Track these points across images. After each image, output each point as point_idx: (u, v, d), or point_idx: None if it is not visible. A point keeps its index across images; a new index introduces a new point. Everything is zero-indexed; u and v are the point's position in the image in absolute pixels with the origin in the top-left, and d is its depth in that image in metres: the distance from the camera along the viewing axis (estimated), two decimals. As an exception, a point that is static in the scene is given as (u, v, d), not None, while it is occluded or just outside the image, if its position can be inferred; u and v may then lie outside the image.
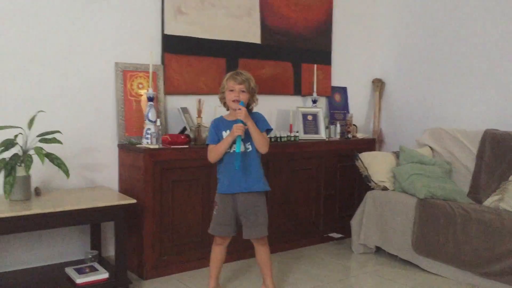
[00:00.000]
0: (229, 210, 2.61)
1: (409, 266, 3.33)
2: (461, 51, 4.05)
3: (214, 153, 2.58)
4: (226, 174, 2.59)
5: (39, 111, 2.75)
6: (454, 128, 3.86)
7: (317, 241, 3.85)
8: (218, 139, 2.60)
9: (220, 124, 2.65)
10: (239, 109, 2.51)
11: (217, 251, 2.70)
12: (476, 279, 2.99)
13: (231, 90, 2.57)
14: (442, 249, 3.13)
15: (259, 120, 2.63)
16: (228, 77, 2.60)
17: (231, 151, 2.57)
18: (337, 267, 3.34)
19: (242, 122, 2.50)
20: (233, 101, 2.57)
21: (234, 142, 2.54)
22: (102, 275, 2.73)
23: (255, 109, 2.72)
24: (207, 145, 2.65)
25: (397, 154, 3.80)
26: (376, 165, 3.68)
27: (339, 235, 3.91)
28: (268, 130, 2.67)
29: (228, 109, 2.70)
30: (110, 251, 3.26)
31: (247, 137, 2.55)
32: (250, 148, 2.58)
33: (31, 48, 2.98)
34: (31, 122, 2.67)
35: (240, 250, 2.87)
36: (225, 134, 2.60)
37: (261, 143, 2.57)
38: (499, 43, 3.80)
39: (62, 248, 3.12)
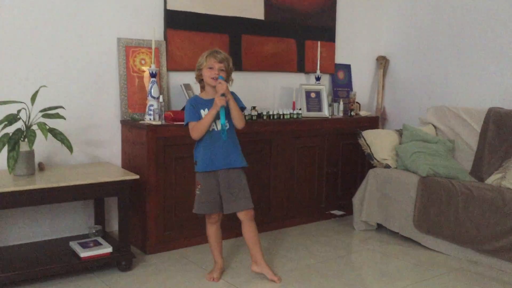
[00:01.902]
0: (213, 187, 2.61)
1: (410, 243, 3.35)
2: (466, 29, 4.00)
3: (198, 129, 2.55)
4: (207, 152, 2.59)
5: (41, 86, 2.75)
6: (457, 106, 3.84)
7: (319, 218, 3.87)
8: (198, 116, 2.58)
9: (197, 103, 2.62)
10: (220, 83, 2.50)
11: (212, 230, 2.72)
12: (476, 256, 3.01)
13: (210, 68, 2.55)
14: (443, 226, 3.14)
15: (235, 98, 2.62)
16: (208, 55, 2.57)
17: (211, 129, 2.57)
18: (338, 243, 3.37)
19: (223, 95, 2.49)
20: (212, 78, 2.54)
21: (216, 118, 2.54)
22: (106, 249, 2.76)
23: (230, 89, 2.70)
24: (187, 123, 2.61)
25: (400, 132, 3.79)
26: (379, 143, 3.67)
27: (341, 213, 3.93)
28: (242, 109, 2.67)
29: (202, 88, 2.67)
30: (113, 226, 3.29)
31: (225, 112, 2.55)
32: (228, 125, 2.58)
33: (34, 24, 2.96)
34: (34, 97, 2.66)
35: (239, 226, 2.88)
36: (203, 112, 2.58)
37: (239, 118, 2.58)
38: (505, 21, 3.75)
39: (66, 223, 3.16)
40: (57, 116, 2.68)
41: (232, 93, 2.65)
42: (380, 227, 3.63)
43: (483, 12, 3.89)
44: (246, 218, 2.66)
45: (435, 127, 3.88)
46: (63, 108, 2.75)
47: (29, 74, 2.95)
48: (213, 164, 2.59)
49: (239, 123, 2.61)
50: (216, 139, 2.58)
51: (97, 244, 2.84)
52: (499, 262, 2.88)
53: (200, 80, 2.65)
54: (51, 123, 2.72)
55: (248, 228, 2.67)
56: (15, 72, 2.92)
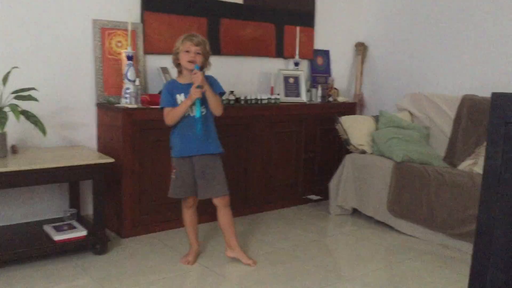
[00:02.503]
0: (188, 172, 2.60)
1: (384, 227, 3.42)
2: (444, 17, 4.04)
3: (172, 116, 2.55)
4: (183, 137, 2.58)
5: (13, 67, 2.69)
6: (433, 93, 3.89)
7: (296, 203, 3.91)
8: (173, 102, 2.56)
9: (173, 87, 2.60)
10: (195, 73, 2.47)
11: (188, 214, 2.72)
12: (448, 240, 3.09)
13: (187, 51, 2.52)
14: (416, 211, 3.20)
15: (213, 83, 2.60)
16: (184, 38, 2.55)
17: (186, 114, 2.55)
18: (314, 228, 3.42)
19: (199, 87, 2.46)
20: (189, 61, 2.52)
21: (192, 105, 2.52)
22: (80, 232, 2.75)
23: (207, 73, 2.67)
24: (162, 108, 2.59)
25: (376, 118, 3.83)
26: (356, 129, 3.71)
27: (317, 197, 3.98)
28: (222, 94, 2.65)
29: (180, 72, 2.65)
30: (89, 209, 3.27)
31: (202, 100, 2.52)
32: (204, 111, 2.56)
33: (6, 3, 2.89)
34: (5, 78, 2.62)
35: (215, 210, 2.89)
36: (179, 97, 2.56)
37: (216, 106, 2.57)
38: (481, 10, 3.79)
39: (40, 206, 3.13)
40: (30, 98, 2.64)
41: (211, 78, 2.63)
42: (355, 212, 3.69)
43: (460, 0, 3.92)
44: (221, 204, 2.67)
45: (411, 113, 3.93)
46: (35, 89, 2.71)
47: (1, 55, 2.88)
48: (188, 150, 2.58)
49: (216, 111, 2.59)
50: (191, 125, 2.55)
51: (71, 227, 2.82)
52: (469, 246, 2.95)
53: (177, 64, 2.62)
54: (24, 105, 2.68)
55: (223, 214, 2.69)
56: (-13, 52, 2.85)
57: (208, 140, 2.60)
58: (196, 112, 2.50)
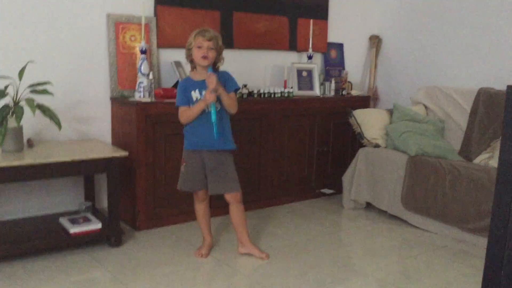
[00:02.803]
0: (198, 165, 2.60)
1: (398, 221, 3.40)
2: (459, 9, 3.98)
3: (186, 117, 2.55)
4: (196, 131, 2.57)
5: (29, 62, 2.72)
6: (448, 86, 3.85)
7: (309, 197, 3.90)
8: (188, 100, 2.56)
9: (187, 84, 2.59)
10: (209, 77, 2.45)
11: (200, 209, 2.73)
12: (462, 235, 3.06)
13: (199, 47, 2.51)
14: (430, 205, 3.18)
15: (227, 80, 2.59)
16: (197, 33, 2.53)
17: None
18: (327, 222, 3.41)
19: (213, 91, 2.45)
20: (202, 57, 2.51)
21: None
22: (96, 225, 2.78)
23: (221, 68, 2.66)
24: (177, 107, 2.60)
25: (390, 112, 3.80)
26: (370, 122, 3.69)
27: (331, 191, 3.97)
28: (237, 90, 2.64)
29: (192, 68, 2.64)
30: (104, 202, 3.30)
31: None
32: (219, 106, 2.55)
33: (20, -3, 2.92)
34: (21, 73, 2.64)
35: (227, 204, 2.91)
36: (194, 94, 2.55)
37: (231, 106, 2.56)
38: (497, 1, 3.73)
39: (56, 199, 3.17)
40: (45, 92, 2.67)
41: (226, 73, 2.62)
42: (369, 206, 3.67)
43: (476, -9, 3.87)
44: (233, 200, 2.67)
45: (426, 107, 3.89)
46: (51, 83, 2.73)
47: (17, 49, 2.92)
48: (200, 144, 2.58)
49: (231, 110, 2.58)
50: (206, 121, 2.54)
51: (86, 220, 2.85)
52: (483, 240, 2.92)
53: (190, 60, 2.61)
54: (40, 99, 2.71)
55: (235, 210, 2.68)
56: (2, 47, 2.88)
57: (221, 136, 2.58)
58: (212, 116, 2.48)
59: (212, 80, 2.45)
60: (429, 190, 3.18)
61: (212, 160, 2.59)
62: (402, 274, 2.60)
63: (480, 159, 3.31)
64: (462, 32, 3.99)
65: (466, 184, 3.02)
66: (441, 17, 4.13)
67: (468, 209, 2.99)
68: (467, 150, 3.53)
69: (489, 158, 3.24)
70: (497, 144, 3.29)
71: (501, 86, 3.60)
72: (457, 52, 4.03)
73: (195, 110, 2.53)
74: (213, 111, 2.48)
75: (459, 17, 3.99)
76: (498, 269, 1.06)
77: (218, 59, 2.58)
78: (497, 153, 3.20)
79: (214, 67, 2.57)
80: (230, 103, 2.56)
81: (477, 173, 3.02)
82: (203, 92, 2.53)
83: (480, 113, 3.54)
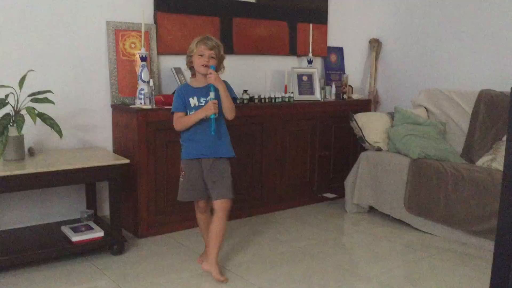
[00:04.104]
0: (196, 175, 2.55)
1: (401, 225, 3.38)
2: (459, 11, 3.99)
3: (181, 124, 2.51)
4: (193, 140, 2.53)
5: (29, 70, 2.72)
6: (449, 89, 3.84)
7: (311, 201, 3.89)
8: (185, 106, 2.53)
9: (186, 91, 2.55)
10: (210, 73, 2.43)
11: (202, 219, 2.68)
12: (466, 237, 3.04)
13: (200, 55, 2.48)
14: (433, 208, 3.17)
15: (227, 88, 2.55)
16: (198, 41, 2.50)
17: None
18: (330, 226, 3.39)
19: (213, 87, 2.44)
20: (203, 66, 2.48)
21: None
22: (98, 233, 2.77)
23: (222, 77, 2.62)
24: (172, 113, 2.56)
25: (392, 115, 3.80)
26: (371, 126, 3.68)
27: (333, 195, 3.95)
28: (234, 99, 2.60)
29: (192, 75, 2.62)
30: (105, 210, 3.30)
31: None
32: (217, 113, 2.49)
33: (21, 7, 2.92)
34: (21, 82, 2.64)
35: (231, 209, 2.90)
36: (192, 100, 2.52)
37: (230, 109, 2.51)
38: (497, 3, 3.73)
39: (58, 208, 3.16)
40: (46, 100, 2.67)
41: (224, 82, 2.59)
42: (371, 210, 3.66)
43: (475, -7, 3.87)
44: (220, 208, 2.52)
45: (427, 109, 3.88)
46: (51, 92, 2.73)
47: (16, 58, 2.92)
48: (198, 153, 2.53)
49: (229, 114, 2.54)
50: (203, 128, 2.50)
51: (88, 228, 2.84)
52: (488, 243, 2.91)
53: (190, 67, 2.59)
54: (40, 107, 2.71)
55: (218, 222, 2.52)
56: (2, 56, 2.88)
57: (220, 143, 2.54)
58: (211, 129, 2.45)
59: (212, 77, 2.42)
60: (432, 193, 3.17)
61: (209, 168, 2.53)
62: (406, 278, 2.58)
63: (482, 161, 3.30)
64: (462, 34, 3.99)
65: (469, 187, 3.00)
66: (440, 19, 4.13)
67: (472, 212, 2.97)
68: (469, 153, 3.52)
69: (491, 160, 3.23)
70: (499, 146, 3.28)
71: (502, 88, 3.60)
72: (457, 54, 4.03)
73: (193, 118, 2.48)
74: (212, 124, 2.45)
75: (459, 20, 4.00)
76: (506, 272, 1.05)
77: (218, 67, 2.57)
78: (499, 155, 3.19)
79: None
80: (230, 104, 2.51)
81: (479, 175, 3.01)
82: (201, 99, 2.51)
83: (481, 115, 3.54)
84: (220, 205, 2.52)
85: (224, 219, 2.54)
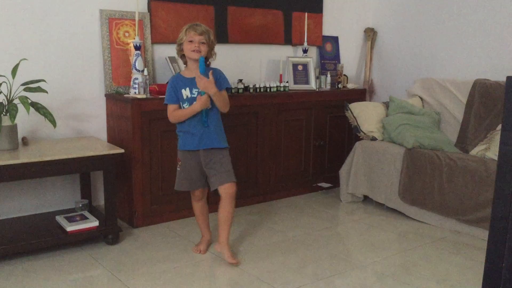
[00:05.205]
0: (193, 164, 2.57)
1: (396, 214, 3.40)
2: (454, 0, 3.98)
3: (176, 118, 2.53)
4: (188, 132, 2.54)
5: (22, 59, 2.70)
6: (444, 78, 3.84)
7: (306, 191, 3.90)
8: (177, 98, 2.53)
9: (178, 82, 2.55)
10: (201, 79, 2.42)
11: (197, 207, 2.70)
12: (460, 226, 3.06)
13: (190, 41, 2.47)
14: (428, 197, 3.18)
15: (219, 78, 2.54)
16: (188, 28, 2.49)
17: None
18: (325, 215, 3.41)
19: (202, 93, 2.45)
20: (193, 51, 2.47)
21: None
22: (92, 223, 2.77)
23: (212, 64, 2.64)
24: (166, 104, 2.56)
25: (386, 105, 3.80)
26: (366, 115, 3.68)
27: (328, 185, 3.96)
28: (228, 89, 2.60)
29: (185, 63, 2.61)
30: (100, 200, 3.29)
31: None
32: (210, 105, 2.51)
33: (12, -6, 2.88)
34: (14, 70, 2.62)
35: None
36: (184, 92, 2.51)
37: (223, 106, 2.53)
38: (493, -10, 3.73)
39: (52, 198, 3.15)
40: (39, 89, 2.64)
41: (217, 71, 2.56)
42: (366, 199, 3.67)
43: (471, -18, 3.86)
44: (226, 193, 2.55)
45: (422, 99, 3.89)
46: (44, 81, 2.71)
47: (9, 47, 2.89)
48: (193, 144, 2.54)
49: (223, 110, 2.54)
50: (198, 120, 2.51)
51: (83, 218, 2.84)
52: (481, 232, 2.93)
53: (181, 55, 2.57)
54: (34, 97, 2.69)
55: (226, 206, 2.56)
56: (-5, 45, 2.86)
57: (214, 134, 2.54)
58: (203, 121, 2.49)
59: (212, 88, 2.42)
60: (426, 183, 3.19)
61: (206, 158, 2.55)
62: (401, 266, 2.60)
63: (476, 151, 3.31)
64: (457, 24, 3.98)
65: (463, 176, 3.02)
66: (436, 9, 4.11)
67: (466, 201, 2.99)
68: (464, 142, 3.53)
69: (485, 150, 3.24)
70: (493, 135, 3.30)
71: (497, 77, 3.60)
72: (452, 44, 4.02)
73: (187, 112, 2.49)
74: (204, 116, 2.49)
75: (454, 9, 3.98)
76: (499, 261, 1.06)
77: (210, 54, 2.55)
78: (493, 144, 3.20)
79: (206, 62, 2.55)
80: (223, 102, 2.52)
81: (473, 164, 3.02)
82: (194, 90, 2.50)
83: (476, 104, 3.54)
84: (225, 191, 2.55)
85: (232, 203, 2.58)
